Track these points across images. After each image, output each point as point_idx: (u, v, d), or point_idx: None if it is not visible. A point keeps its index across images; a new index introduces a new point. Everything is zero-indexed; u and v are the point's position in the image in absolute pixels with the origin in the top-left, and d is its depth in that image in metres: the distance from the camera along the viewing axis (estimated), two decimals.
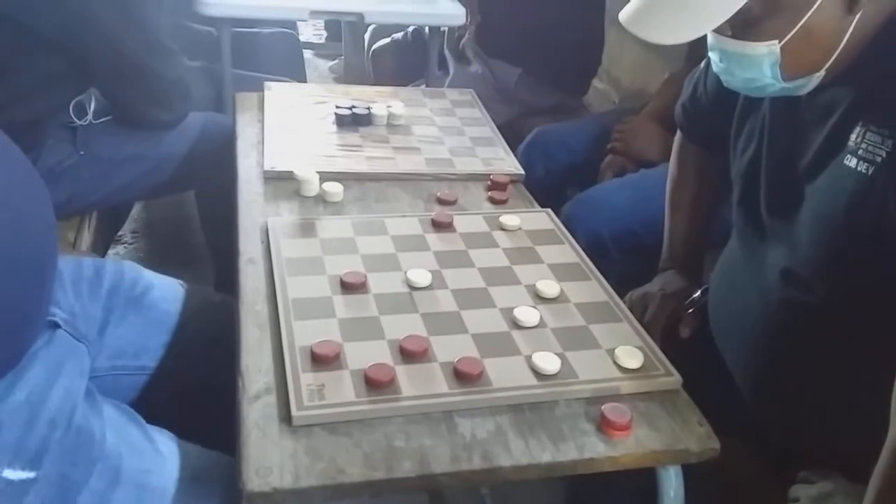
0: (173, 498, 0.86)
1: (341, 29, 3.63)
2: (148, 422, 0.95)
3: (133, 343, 1.07)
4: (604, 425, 0.85)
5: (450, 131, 1.58)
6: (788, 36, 0.85)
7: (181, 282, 1.20)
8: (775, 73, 0.88)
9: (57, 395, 0.84)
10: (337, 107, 1.56)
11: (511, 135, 1.74)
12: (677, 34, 0.84)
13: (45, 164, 1.54)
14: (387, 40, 2.78)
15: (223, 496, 0.88)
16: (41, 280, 0.89)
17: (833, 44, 0.86)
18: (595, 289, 1.09)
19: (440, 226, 1.21)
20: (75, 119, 1.58)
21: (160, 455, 0.89)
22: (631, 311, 1.07)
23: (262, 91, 1.67)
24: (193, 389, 1.09)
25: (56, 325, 0.92)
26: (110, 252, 2.22)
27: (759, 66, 0.88)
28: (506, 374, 0.90)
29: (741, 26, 0.86)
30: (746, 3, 0.82)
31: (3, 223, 0.79)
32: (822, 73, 0.89)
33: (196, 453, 0.93)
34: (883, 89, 0.86)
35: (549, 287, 1.06)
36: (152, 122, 1.67)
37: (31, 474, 0.78)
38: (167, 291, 1.15)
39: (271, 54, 2.40)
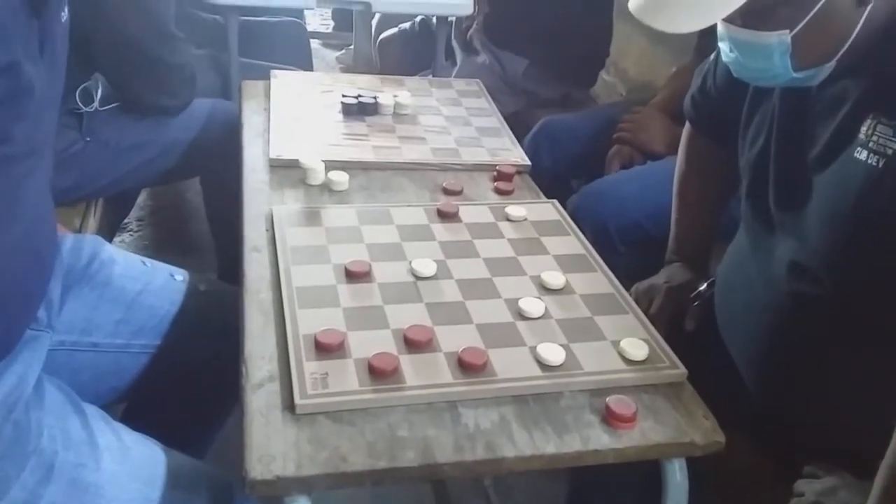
0: (110, 494, 0.84)
1: (350, 18, 3.61)
2: (107, 408, 0.94)
3: (83, 319, 1.05)
4: (609, 417, 0.85)
5: (456, 121, 1.57)
6: (800, 26, 0.84)
7: (180, 270, 1.19)
8: (785, 64, 0.87)
9: (7, 383, 0.83)
10: (343, 95, 1.55)
11: (518, 126, 1.73)
12: (688, 23, 0.83)
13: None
14: (394, 30, 2.77)
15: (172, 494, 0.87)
16: (43, 270, 0.89)
17: (844, 34, 0.85)
18: (601, 280, 1.09)
19: (446, 216, 1.20)
20: (81, 106, 1.58)
21: (96, 448, 0.86)
22: (637, 303, 1.07)
23: (269, 79, 1.66)
24: (158, 372, 1.09)
25: None
26: (115, 240, 2.22)
27: (769, 56, 0.87)
28: (510, 365, 0.90)
29: (752, 15, 0.85)
30: None
31: (15, 217, 0.80)
32: (832, 63, 0.88)
33: (144, 449, 0.91)
34: (894, 81, 0.86)
35: (555, 278, 1.06)
36: (157, 108, 1.66)
37: None
38: (128, 269, 1.13)
39: (278, 44, 2.39)
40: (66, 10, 0.87)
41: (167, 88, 1.64)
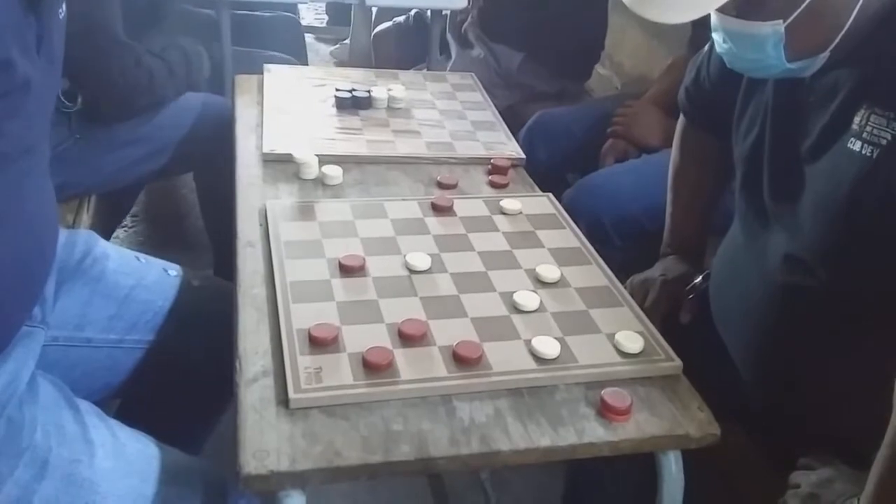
0: (105, 490, 0.84)
1: (346, 12, 3.60)
2: (100, 404, 0.94)
3: (76, 314, 1.05)
4: (604, 410, 0.84)
5: (451, 115, 1.57)
6: (793, 15, 0.84)
7: (174, 265, 1.18)
8: (779, 54, 0.87)
9: (1, 380, 0.83)
10: (337, 90, 1.55)
11: (513, 119, 1.73)
12: (681, 14, 0.83)
13: None
14: (388, 24, 2.76)
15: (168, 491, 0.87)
16: (44, 268, 0.89)
17: (838, 24, 0.85)
18: (596, 273, 1.09)
19: (440, 209, 1.20)
20: (66, 102, 1.56)
21: (90, 444, 0.86)
22: (632, 296, 1.06)
23: (262, 73, 1.65)
24: (153, 368, 1.08)
25: None
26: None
27: (763, 47, 0.87)
28: (505, 359, 0.90)
29: (746, 5, 0.85)
30: None
31: (14, 216, 0.80)
32: (826, 54, 0.87)
33: (138, 444, 0.91)
34: (888, 71, 0.85)
35: (550, 271, 1.06)
36: (139, 110, 1.62)
37: None
38: (122, 264, 1.12)
39: (273, 38, 2.38)
40: (64, 6, 0.86)
41: (135, 92, 1.58)
